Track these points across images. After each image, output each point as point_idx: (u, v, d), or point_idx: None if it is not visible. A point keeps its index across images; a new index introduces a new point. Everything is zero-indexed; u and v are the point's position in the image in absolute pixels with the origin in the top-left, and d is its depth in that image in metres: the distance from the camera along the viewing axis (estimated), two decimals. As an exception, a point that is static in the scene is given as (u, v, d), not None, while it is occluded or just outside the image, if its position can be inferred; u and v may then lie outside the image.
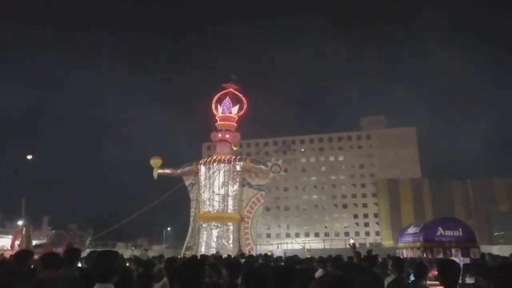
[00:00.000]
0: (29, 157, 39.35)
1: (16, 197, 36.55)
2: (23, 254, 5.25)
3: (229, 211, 21.40)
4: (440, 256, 11.56)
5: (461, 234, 12.21)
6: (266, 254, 14.99)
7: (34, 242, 23.99)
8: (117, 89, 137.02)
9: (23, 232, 23.15)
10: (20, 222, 34.26)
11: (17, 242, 23.28)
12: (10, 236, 27.47)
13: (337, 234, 71.09)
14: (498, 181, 70.47)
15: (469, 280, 7.42)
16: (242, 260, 9.37)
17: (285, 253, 26.85)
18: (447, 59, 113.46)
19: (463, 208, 69.01)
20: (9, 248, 23.92)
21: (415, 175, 74.97)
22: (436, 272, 4.23)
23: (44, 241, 26.76)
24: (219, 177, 21.79)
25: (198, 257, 11.35)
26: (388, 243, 57.36)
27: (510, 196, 68.79)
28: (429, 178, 74.72)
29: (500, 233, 64.04)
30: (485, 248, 26.52)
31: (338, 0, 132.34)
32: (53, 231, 30.42)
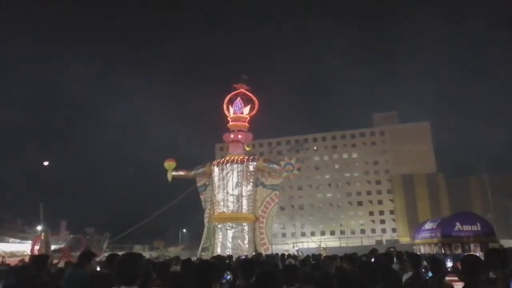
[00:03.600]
0: (46, 163, 39.95)
1: (34, 203, 37.17)
2: (40, 259, 5.31)
3: (244, 212, 21.43)
4: (459, 251, 11.40)
5: (479, 228, 12.03)
6: (282, 254, 14.95)
7: (52, 247, 24.34)
8: (129, 92, 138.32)
9: (42, 237, 23.53)
10: (39, 228, 34.81)
11: (36, 247, 23.66)
12: (30, 242, 27.92)
13: (353, 232, 70.63)
14: (516, 174, 69.11)
15: (492, 275, 7.28)
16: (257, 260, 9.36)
17: (297, 251, 26.77)
18: (459, 49, 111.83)
19: (481, 202, 67.85)
20: (29, 253, 24.34)
21: (430, 170, 74.04)
22: (456, 266, 4.17)
23: (62, 245, 27.13)
24: (232, 178, 21.84)
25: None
26: (405, 239, 56.79)
27: (529, 189, 67.42)
28: (444, 173, 73.75)
29: (519, 227, 62.83)
30: (504, 242, 26.09)
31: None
32: (71, 235, 30.82)
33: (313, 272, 6.51)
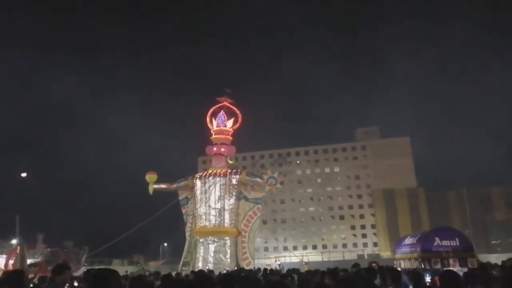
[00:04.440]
0: (24, 174, 39.06)
1: (10, 215, 36.20)
2: (14, 275, 5.09)
3: (226, 225, 21.29)
4: (438, 266, 11.53)
5: (458, 243, 12.18)
6: (265, 269, 14.86)
7: (29, 261, 23.61)
8: (111, 103, 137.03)
9: (18, 251, 22.79)
10: (14, 241, 33.83)
11: (11, 262, 22.89)
12: (4, 256, 27.06)
13: (335, 246, 70.75)
14: (494, 189, 70.68)
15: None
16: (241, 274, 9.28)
17: (279, 265, 26.64)
18: (440, 66, 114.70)
19: (460, 216, 68.97)
20: (3, 267, 23.55)
21: (411, 185, 75.13)
22: (435, 281, 4.22)
23: (39, 259, 26.35)
24: (215, 191, 21.72)
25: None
26: (386, 254, 57.12)
27: (507, 204, 68.80)
28: (424, 188, 74.92)
29: (497, 242, 63.98)
30: (483, 257, 26.50)
31: (330, 13, 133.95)
32: (48, 249, 29.98)
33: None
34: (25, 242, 29.52)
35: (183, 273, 15.02)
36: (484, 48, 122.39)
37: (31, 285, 8.73)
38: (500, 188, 70.45)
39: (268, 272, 13.30)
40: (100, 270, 3.55)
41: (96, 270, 3.68)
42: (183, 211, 23.51)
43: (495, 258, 26.43)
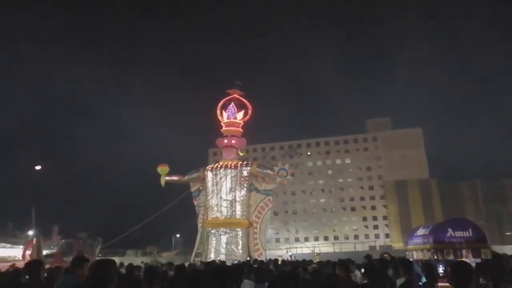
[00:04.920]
0: (38, 167, 39.64)
1: (26, 207, 36.84)
2: (34, 265, 5.25)
3: (237, 217, 21.42)
4: (451, 257, 11.48)
5: (471, 234, 12.11)
6: (276, 259, 14.94)
7: (44, 252, 24.10)
8: (123, 96, 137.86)
9: (34, 242, 23.28)
10: (30, 232, 34.46)
11: (28, 252, 23.41)
12: (21, 246, 27.61)
13: (346, 238, 70.70)
14: (508, 181, 69.71)
15: (482, 281, 7.36)
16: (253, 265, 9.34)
17: (290, 256, 26.74)
18: (453, 56, 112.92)
19: (473, 208, 68.33)
20: (21, 258, 24.06)
21: (423, 176, 74.47)
22: (448, 270, 4.22)
23: (54, 250, 26.86)
24: (226, 183, 21.84)
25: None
26: (398, 245, 56.93)
27: (521, 196, 68.01)
28: (437, 179, 74.22)
29: (511, 233, 63.33)
30: (497, 248, 26.26)
31: (339, 4, 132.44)
32: (63, 240, 30.53)
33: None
34: (41, 234, 30.13)
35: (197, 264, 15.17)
36: (499, 37, 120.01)
37: (45, 274, 8.92)
38: (514, 179, 69.41)
39: (279, 263, 13.37)
40: (100, 260, 3.71)
41: (97, 261, 3.83)
42: (195, 203, 23.71)
43: (510, 250, 26.21)
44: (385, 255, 12.00)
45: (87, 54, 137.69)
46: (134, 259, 31.39)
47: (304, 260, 14.83)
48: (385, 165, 77.33)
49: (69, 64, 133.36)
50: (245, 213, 21.43)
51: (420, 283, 6.83)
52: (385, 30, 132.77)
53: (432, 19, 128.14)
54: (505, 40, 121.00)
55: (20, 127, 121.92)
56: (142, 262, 19.45)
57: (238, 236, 21.12)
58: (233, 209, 21.47)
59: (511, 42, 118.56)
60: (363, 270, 9.58)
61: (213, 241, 21.43)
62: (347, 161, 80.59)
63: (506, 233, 63.93)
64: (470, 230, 12.25)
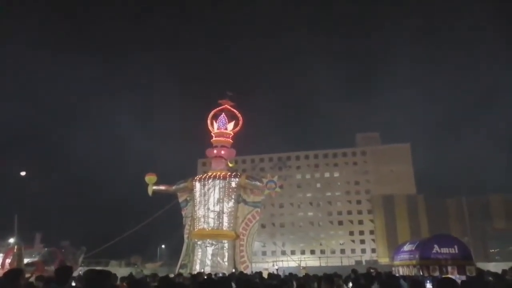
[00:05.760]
0: (23, 173, 39.01)
1: (9, 214, 36.13)
2: (13, 273, 5.13)
3: (224, 228, 21.22)
4: (436, 273, 11.48)
5: (456, 251, 12.12)
6: (260, 272, 14.82)
7: (26, 260, 23.53)
8: (111, 104, 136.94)
9: (15, 250, 22.73)
10: (11, 240, 33.73)
11: (8, 261, 22.82)
12: (1, 254, 26.96)
13: (333, 252, 70.62)
14: (493, 197, 70.53)
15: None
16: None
17: (277, 270, 26.55)
18: (440, 72, 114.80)
19: (458, 224, 68.81)
20: (0, 266, 23.47)
21: (410, 192, 75.03)
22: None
23: (36, 259, 26.26)
24: (214, 194, 21.68)
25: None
26: (384, 260, 57.00)
27: (506, 213, 68.77)
28: (424, 195, 74.79)
29: (495, 250, 63.87)
30: (481, 266, 26.38)
31: (330, 19, 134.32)
32: (46, 248, 29.89)
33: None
34: (23, 242, 29.46)
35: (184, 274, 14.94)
36: (487, 53, 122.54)
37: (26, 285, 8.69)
38: (499, 196, 70.31)
39: (267, 275, 13.25)
40: (95, 271, 3.59)
41: (91, 271, 3.71)
42: (183, 213, 23.47)
43: (494, 267, 26.32)
44: (372, 270, 11.98)
45: (75, 58, 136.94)
46: (118, 269, 30.86)
47: (291, 274, 14.73)
48: (373, 180, 77.83)
49: (59, 68, 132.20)
50: (232, 224, 21.26)
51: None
52: (377, 45, 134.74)
53: (424, 38, 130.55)
54: (493, 60, 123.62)
55: (4, 132, 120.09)
56: (131, 272, 19.15)
57: (225, 248, 20.91)
58: (220, 221, 21.29)
59: (501, 61, 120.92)
60: (350, 284, 9.55)
61: (199, 253, 21.18)
62: (336, 174, 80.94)
63: (491, 250, 64.41)
64: (456, 247, 12.27)
